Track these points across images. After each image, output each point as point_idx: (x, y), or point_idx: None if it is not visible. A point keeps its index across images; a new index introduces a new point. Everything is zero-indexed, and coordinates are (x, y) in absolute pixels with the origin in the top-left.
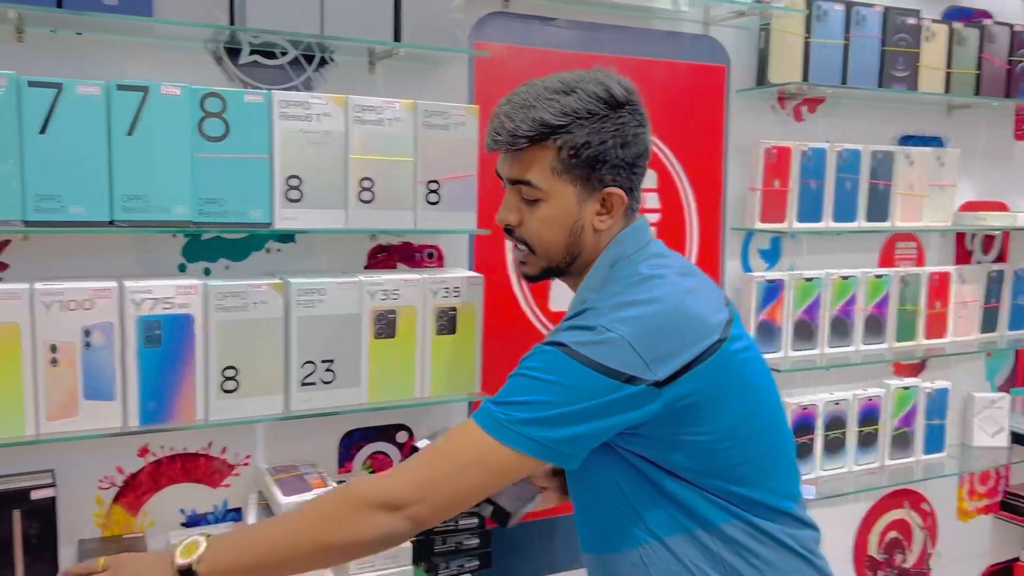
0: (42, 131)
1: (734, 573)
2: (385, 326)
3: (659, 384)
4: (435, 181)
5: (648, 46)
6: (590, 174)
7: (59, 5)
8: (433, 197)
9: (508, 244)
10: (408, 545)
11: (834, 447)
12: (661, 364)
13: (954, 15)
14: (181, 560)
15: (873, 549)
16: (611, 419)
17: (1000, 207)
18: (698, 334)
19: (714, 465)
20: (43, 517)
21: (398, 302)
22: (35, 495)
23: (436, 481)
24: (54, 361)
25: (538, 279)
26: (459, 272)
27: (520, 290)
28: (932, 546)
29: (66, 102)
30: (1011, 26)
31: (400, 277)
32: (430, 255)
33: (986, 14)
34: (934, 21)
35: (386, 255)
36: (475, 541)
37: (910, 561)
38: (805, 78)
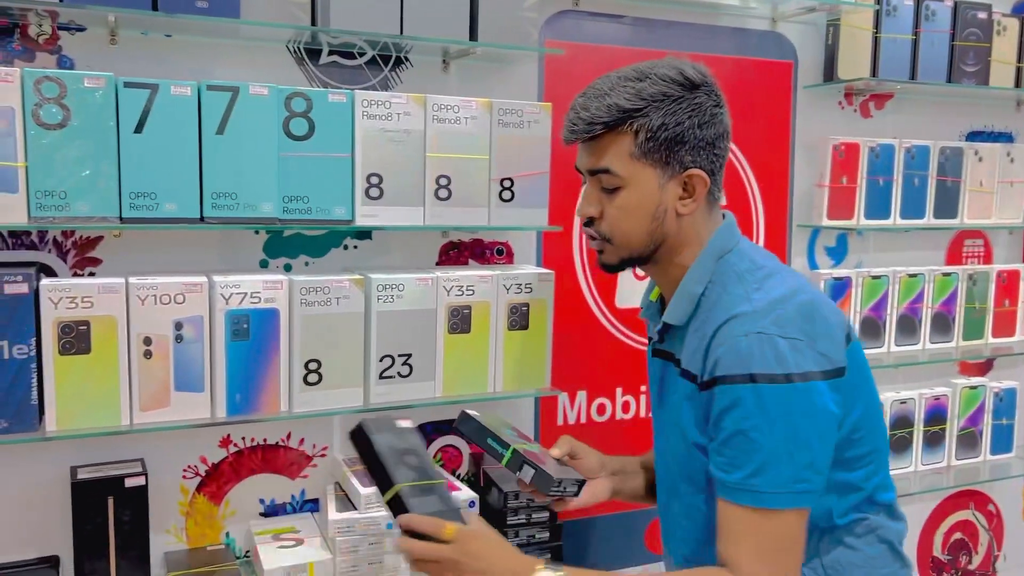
0: (137, 130)
1: (834, 573)
2: (460, 321)
3: (843, 371)
4: (509, 179)
5: (715, 42)
6: (669, 157)
7: (154, 7)
8: (507, 195)
9: (584, 238)
10: None
11: (900, 447)
12: (836, 350)
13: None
14: None
15: (937, 550)
16: (836, 423)
17: None
18: (839, 320)
19: (845, 454)
20: (135, 504)
21: (473, 298)
22: (128, 483)
23: (793, 570)
24: (147, 354)
25: (616, 269)
26: (531, 268)
27: (587, 287)
28: (998, 549)
29: (160, 102)
30: None
31: (475, 273)
32: (499, 251)
33: None
34: (1005, 15)
35: (457, 251)
36: (546, 534)
37: (975, 563)
38: (874, 73)
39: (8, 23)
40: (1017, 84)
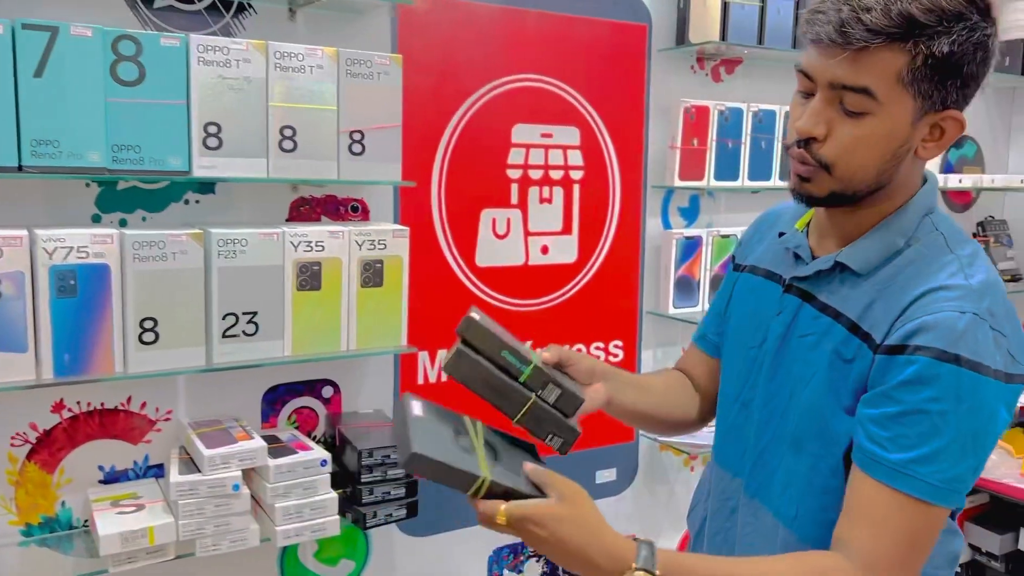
0: None
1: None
2: (309, 278)
3: None
4: (359, 131)
5: (572, 3)
6: (936, 91)
7: None
8: (357, 148)
9: (789, 158)
10: (334, 495)
11: None
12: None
13: None
14: None
15: None
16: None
17: None
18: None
19: None
20: None
21: (323, 254)
22: None
23: (915, 570)
24: None
25: (822, 203)
26: (384, 225)
27: (447, 244)
28: None
29: None
30: None
31: (324, 228)
32: (354, 208)
33: None
34: None
35: (308, 208)
36: (402, 491)
37: None
38: (723, 37)
39: None
40: None
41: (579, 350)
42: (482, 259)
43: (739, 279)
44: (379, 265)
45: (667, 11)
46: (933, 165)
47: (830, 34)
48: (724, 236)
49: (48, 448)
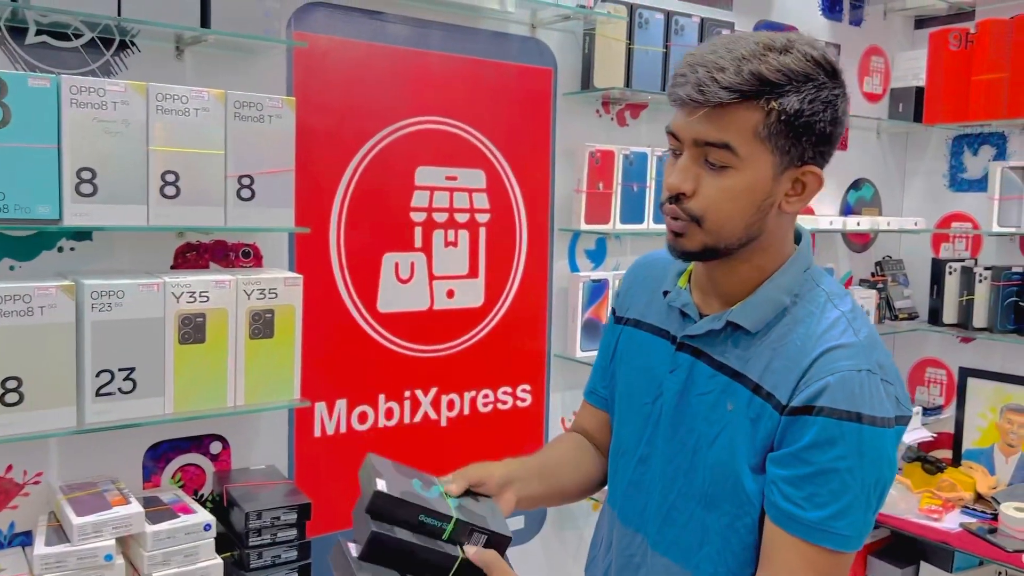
0: None
1: None
2: (192, 330)
3: (909, 420)
4: (248, 176)
5: (476, 45)
6: (792, 147)
7: None
8: (246, 192)
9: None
10: (219, 561)
11: None
12: (906, 397)
13: (764, 28)
14: None
15: None
16: None
17: (806, 211)
18: None
19: None
20: None
21: (207, 305)
22: None
23: None
24: None
25: (692, 257)
26: (276, 272)
27: (346, 290)
28: None
29: None
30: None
31: (210, 278)
32: (246, 254)
33: (793, 29)
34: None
35: (196, 254)
36: (293, 554)
37: None
38: (628, 84)
39: None
40: None
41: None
42: (384, 304)
43: (622, 332)
44: (269, 315)
45: (572, 56)
46: (832, 206)
47: (690, 94)
48: None
49: None
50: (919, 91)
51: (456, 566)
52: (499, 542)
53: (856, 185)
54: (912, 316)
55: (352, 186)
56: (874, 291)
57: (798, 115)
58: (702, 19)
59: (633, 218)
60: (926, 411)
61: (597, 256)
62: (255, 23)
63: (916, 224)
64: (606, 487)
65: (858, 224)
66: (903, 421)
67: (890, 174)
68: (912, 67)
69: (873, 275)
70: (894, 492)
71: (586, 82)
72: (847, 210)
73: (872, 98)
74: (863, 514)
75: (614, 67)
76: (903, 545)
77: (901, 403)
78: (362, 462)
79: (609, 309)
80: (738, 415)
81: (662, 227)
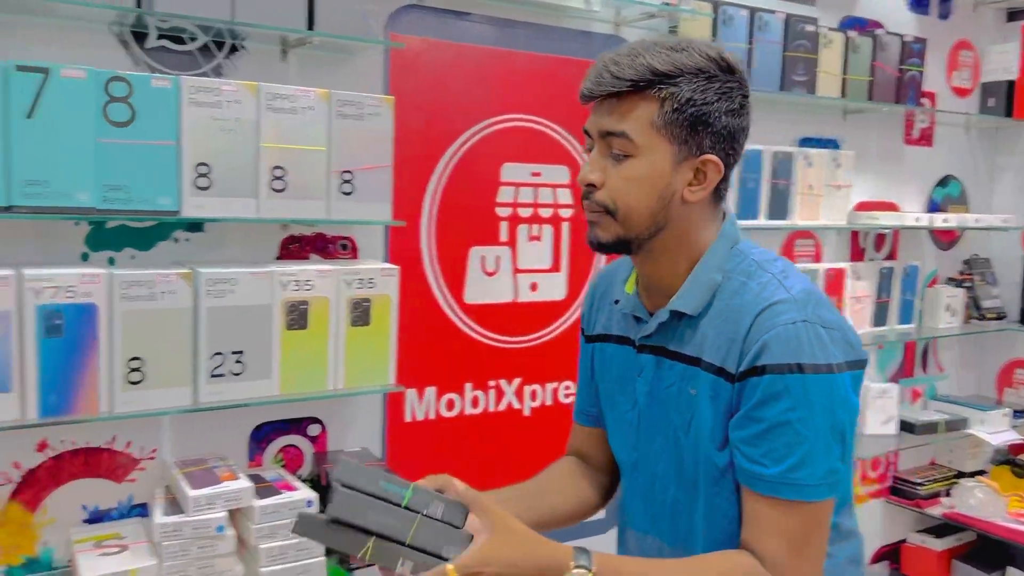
0: None
1: None
2: (297, 317)
3: (866, 362)
4: (349, 171)
5: (560, 44)
6: (690, 135)
7: None
8: (347, 187)
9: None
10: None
11: None
12: (859, 341)
13: (849, 24)
14: None
15: None
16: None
17: (891, 207)
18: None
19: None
20: None
21: (311, 293)
22: None
23: (819, 562)
24: None
25: (610, 249)
26: (373, 263)
27: (436, 282)
28: None
29: None
30: (901, 36)
31: (313, 268)
32: (344, 246)
33: (878, 24)
34: (831, 29)
35: (298, 246)
36: None
37: None
38: None
39: None
40: (842, 94)
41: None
42: (471, 296)
43: (594, 350)
44: (367, 304)
45: None
46: (918, 203)
47: (591, 86)
48: None
49: (31, 487)
50: (1010, 85)
51: (415, 527)
52: (456, 511)
53: (943, 182)
54: (1000, 316)
55: (442, 182)
56: (961, 290)
57: (690, 103)
58: (787, 15)
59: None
60: (1016, 413)
61: None
62: (355, 25)
63: (1005, 221)
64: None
65: (944, 221)
66: (858, 365)
67: (979, 170)
68: (1004, 60)
69: (960, 274)
70: (981, 495)
71: None
72: (933, 207)
73: (961, 93)
74: (824, 460)
75: None
76: (990, 549)
77: (853, 347)
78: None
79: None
80: (701, 397)
81: (744, 223)
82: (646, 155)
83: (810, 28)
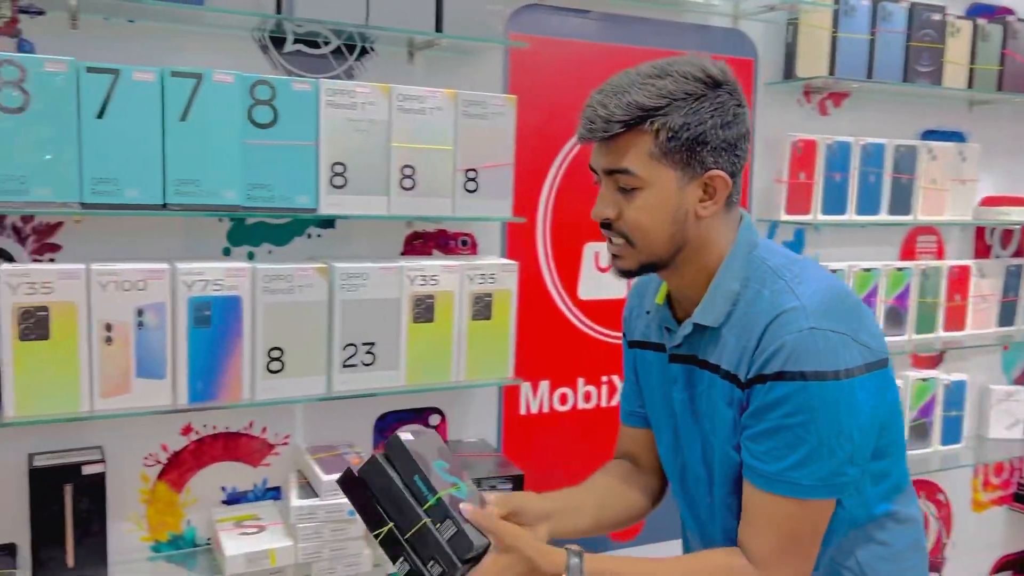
0: (99, 115)
1: (869, 569)
2: (424, 310)
3: (887, 361)
4: (473, 170)
5: (679, 39)
6: (690, 158)
7: None
8: (471, 185)
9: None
10: None
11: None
12: (878, 340)
13: (978, 11)
14: None
15: None
16: (875, 415)
17: (1020, 202)
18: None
19: (880, 441)
20: (93, 492)
21: (436, 287)
22: (86, 470)
23: (807, 563)
24: (108, 340)
25: (635, 274)
26: (494, 259)
27: (551, 278)
28: (947, 536)
29: (123, 88)
30: None
31: (439, 263)
32: (464, 242)
33: (1009, 11)
34: (958, 17)
35: (421, 242)
36: None
37: None
38: (831, 72)
39: None
40: (969, 85)
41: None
42: (585, 292)
43: (636, 355)
44: (488, 298)
45: (775, 46)
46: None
47: (584, 132)
48: (831, 271)
49: (177, 469)
50: None
51: (417, 528)
52: (461, 543)
53: None
54: None
55: (558, 179)
56: None
57: (684, 128)
58: (911, 4)
59: (835, 209)
60: None
61: (795, 248)
62: (479, 27)
63: None
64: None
65: None
66: (877, 365)
67: None
68: None
69: None
70: None
71: (788, 71)
72: None
73: None
74: (826, 463)
75: (818, 56)
76: None
77: (870, 348)
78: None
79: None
80: (722, 403)
81: (865, 219)
82: (652, 185)
83: (936, 17)
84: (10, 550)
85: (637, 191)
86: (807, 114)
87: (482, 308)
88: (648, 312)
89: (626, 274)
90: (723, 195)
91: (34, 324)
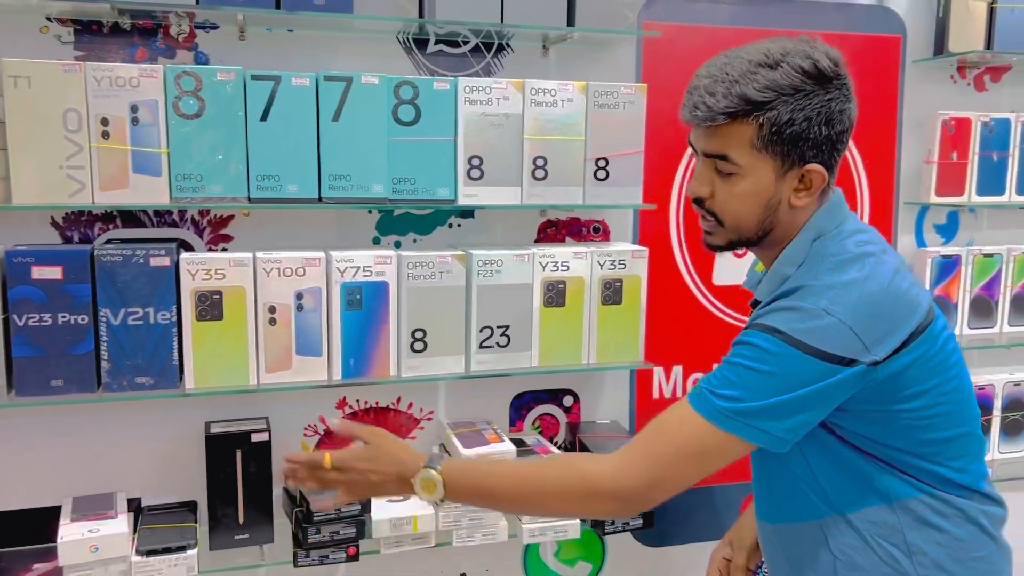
0: (263, 118)
1: (918, 551)
2: (555, 295)
3: (876, 364)
4: (603, 158)
5: (818, 18)
6: (791, 151)
7: (277, 6)
8: (601, 174)
9: (682, 215)
10: None
11: (1013, 429)
12: (880, 344)
13: None
14: (426, 497)
15: None
16: (830, 402)
17: None
18: (910, 312)
19: (907, 441)
20: (260, 457)
21: (567, 273)
22: (254, 438)
23: (666, 478)
24: (272, 321)
25: (724, 250)
26: (624, 245)
27: (684, 264)
28: None
29: (283, 92)
30: None
31: (569, 249)
32: (596, 229)
33: None
34: None
35: (554, 229)
36: None
37: None
38: (988, 46)
39: (152, 24)
40: None
41: None
42: (719, 278)
43: None
44: (619, 284)
45: (924, 21)
46: None
47: (687, 116)
48: (987, 255)
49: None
50: None
51: None
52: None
53: None
54: None
55: (692, 165)
56: None
57: (789, 124)
58: None
59: (992, 190)
60: None
61: (948, 231)
62: (612, 18)
63: None
64: None
65: None
66: (848, 363)
67: None
68: None
69: None
70: None
71: (939, 47)
72: None
73: None
74: (747, 403)
75: (973, 28)
76: None
77: (861, 342)
78: None
79: None
80: None
81: (1022, 199)
82: (750, 173)
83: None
84: (192, 507)
85: (734, 176)
86: (961, 91)
87: (612, 293)
88: (748, 277)
89: (715, 248)
90: (818, 187)
91: (209, 306)
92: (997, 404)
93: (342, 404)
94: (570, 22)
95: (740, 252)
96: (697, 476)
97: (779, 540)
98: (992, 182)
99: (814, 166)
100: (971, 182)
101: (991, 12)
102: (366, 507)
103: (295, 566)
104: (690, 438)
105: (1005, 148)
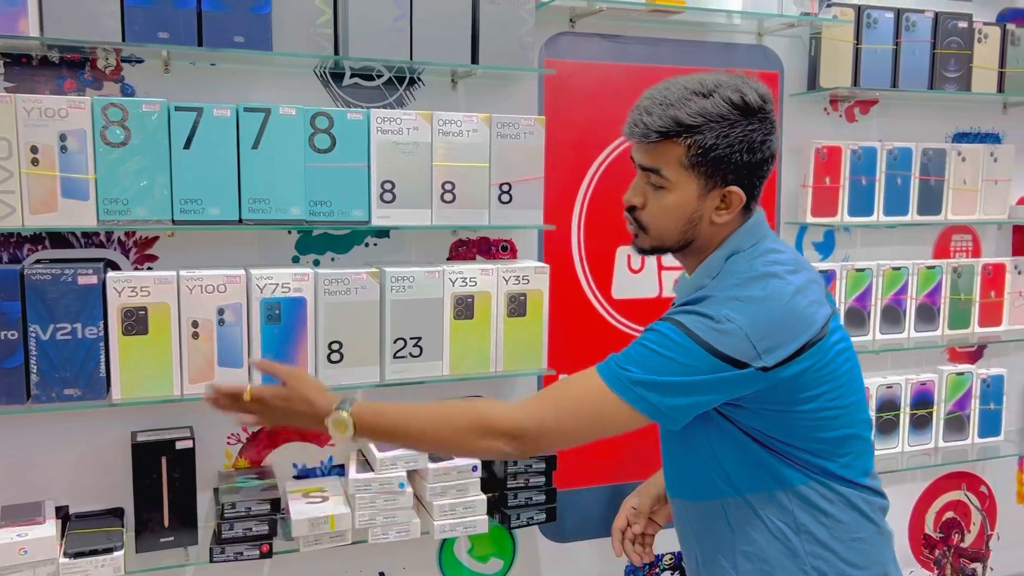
0: (186, 147)
1: (804, 530)
2: (464, 309)
3: (766, 369)
4: (507, 183)
5: (705, 56)
6: (714, 172)
7: (199, 43)
8: (505, 197)
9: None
10: (483, 497)
11: (887, 428)
12: (770, 353)
13: (1009, 16)
14: (338, 435)
15: (929, 528)
16: (718, 394)
17: None
18: (805, 328)
19: (799, 438)
20: (184, 464)
21: (475, 288)
22: (179, 445)
23: (558, 422)
24: (195, 335)
25: (649, 253)
26: (528, 262)
27: (585, 279)
28: (991, 528)
29: (205, 122)
30: None
31: (477, 267)
32: (504, 248)
33: None
34: (987, 23)
35: (465, 248)
36: (542, 497)
37: (968, 541)
38: (855, 83)
39: (80, 57)
40: (1000, 88)
41: None
42: (618, 292)
43: None
44: (523, 298)
45: (799, 59)
46: None
47: (627, 132)
48: (859, 270)
49: (255, 447)
50: None
51: None
52: None
53: None
54: None
55: (591, 189)
56: None
57: (713, 148)
58: (936, 14)
59: (862, 211)
60: None
61: (825, 248)
62: (514, 56)
63: None
64: None
65: None
66: (736, 364)
67: None
68: None
69: None
70: None
71: (812, 83)
72: None
73: None
74: (639, 374)
75: (841, 67)
76: None
77: (751, 344)
78: None
79: None
80: None
81: (894, 219)
82: (677, 188)
83: (963, 24)
84: (119, 513)
85: (663, 190)
86: (834, 122)
87: (517, 306)
88: (677, 281)
89: (641, 251)
90: (737, 207)
91: (135, 321)
92: (871, 405)
93: None
94: (474, 59)
95: (637, 268)
96: (587, 434)
97: (687, 514)
98: (862, 204)
99: (734, 188)
100: (843, 204)
101: (856, 52)
102: (276, 506)
103: (211, 561)
104: (588, 396)
105: (872, 174)
